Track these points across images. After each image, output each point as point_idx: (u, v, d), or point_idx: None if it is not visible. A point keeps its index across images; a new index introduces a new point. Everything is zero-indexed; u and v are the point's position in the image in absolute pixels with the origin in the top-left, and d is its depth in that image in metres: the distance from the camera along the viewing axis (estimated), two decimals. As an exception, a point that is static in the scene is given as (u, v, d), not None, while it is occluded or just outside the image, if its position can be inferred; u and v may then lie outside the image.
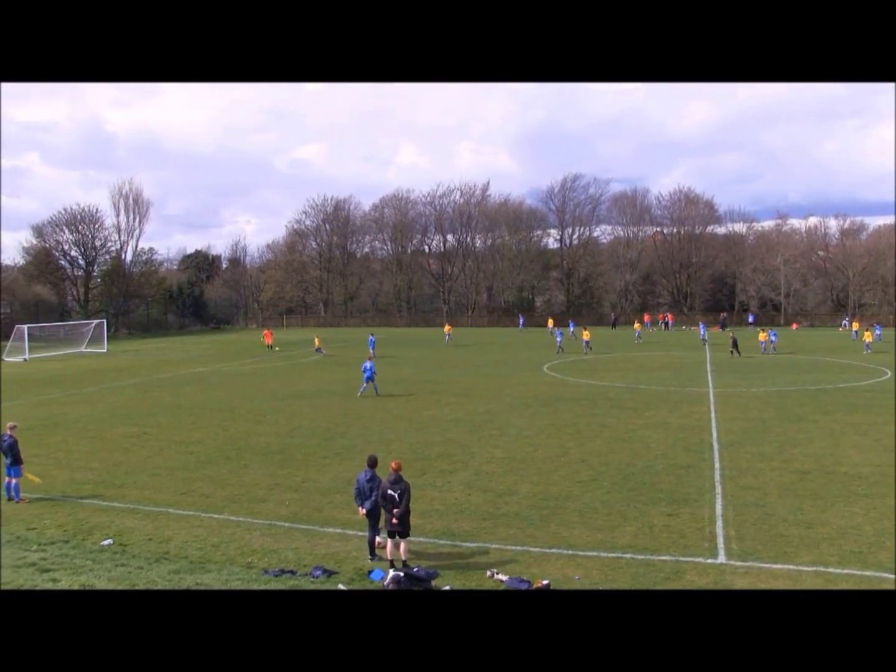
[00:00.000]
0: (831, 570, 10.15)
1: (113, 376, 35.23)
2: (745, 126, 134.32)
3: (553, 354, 41.86)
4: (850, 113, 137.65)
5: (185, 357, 45.80)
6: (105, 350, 51.81)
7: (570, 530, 12.01)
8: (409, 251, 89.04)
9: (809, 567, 10.27)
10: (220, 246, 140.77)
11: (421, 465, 16.24)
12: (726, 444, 17.85)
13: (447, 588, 9.81)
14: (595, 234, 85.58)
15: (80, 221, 74.05)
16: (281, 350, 47.59)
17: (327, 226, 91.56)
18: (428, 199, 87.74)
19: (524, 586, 9.75)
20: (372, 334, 45.89)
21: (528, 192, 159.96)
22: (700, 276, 78.68)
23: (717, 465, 15.89)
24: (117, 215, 76.76)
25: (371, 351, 42.33)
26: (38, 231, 74.49)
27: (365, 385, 26.76)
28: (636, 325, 53.71)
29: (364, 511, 11.05)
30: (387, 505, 10.72)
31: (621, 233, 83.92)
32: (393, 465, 11.00)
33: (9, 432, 14.60)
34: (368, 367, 26.87)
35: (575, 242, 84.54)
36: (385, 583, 9.93)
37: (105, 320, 58.45)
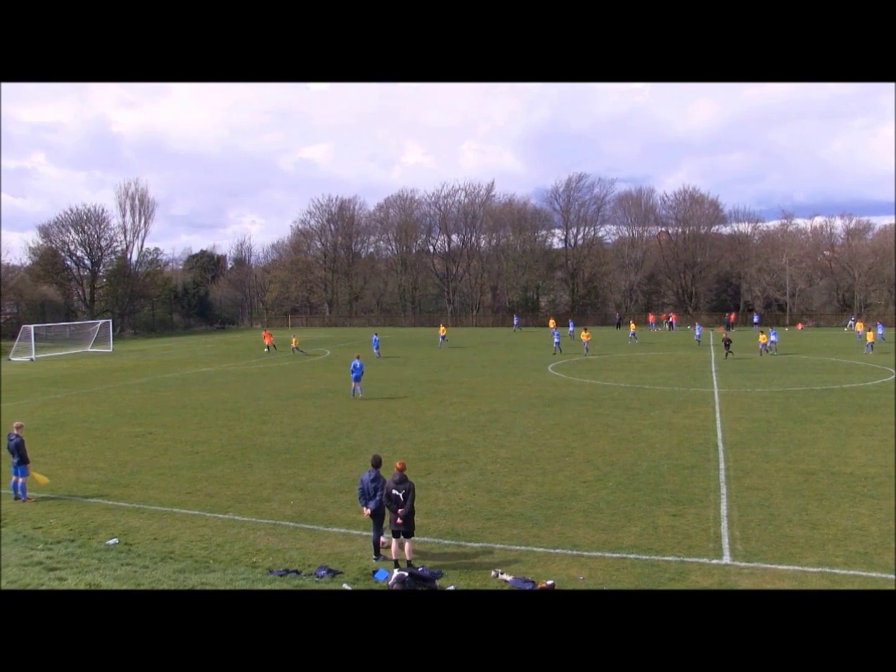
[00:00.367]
0: (837, 570, 10.12)
1: (118, 376, 35.36)
2: (751, 126, 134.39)
3: (553, 355, 41.77)
4: (856, 113, 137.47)
5: (190, 357, 45.92)
6: (111, 350, 52.02)
7: (575, 530, 12.00)
8: (413, 251, 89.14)
9: (815, 568, 10.24)
10: (225, 246, 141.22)
11: (425, 465, 16.25)
12: (731, 445, 17.81)
13: (452, 588, 9.82)
14: (600, 233, 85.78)
15: (87, 222, 74.54)
16: (282, 350, 47.59)
17: (332, 226, 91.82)
18: (433, 198, 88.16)
19: (529, 586, 9.75)
20: (376, 334, 45.96)
21: (532, 191, 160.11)
22: (705, 276, 78.52)
23: (721, 466, 15.85)
24: (123, 215, 77.34)
25: (375, 351, 42.41)
26: (45, 231, 75.08)
27: (354, 384, 26.53)
28: (632, 326, 53.36)
29: (368, 511, 11.05)
30: (391, 505, 10.72)
31: (626, 233, 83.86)
32: (397, 464, 11.02)
33: (15, 432, 14.67)
34: (357, 367, 26.58)
35: (580, 242, 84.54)
36: (390, 583, 9.93)
37: (111, 320, 58.74)
